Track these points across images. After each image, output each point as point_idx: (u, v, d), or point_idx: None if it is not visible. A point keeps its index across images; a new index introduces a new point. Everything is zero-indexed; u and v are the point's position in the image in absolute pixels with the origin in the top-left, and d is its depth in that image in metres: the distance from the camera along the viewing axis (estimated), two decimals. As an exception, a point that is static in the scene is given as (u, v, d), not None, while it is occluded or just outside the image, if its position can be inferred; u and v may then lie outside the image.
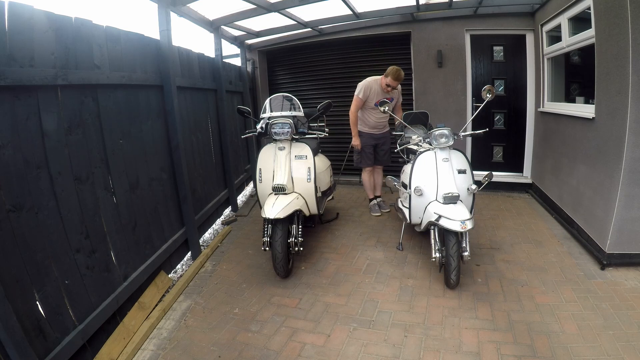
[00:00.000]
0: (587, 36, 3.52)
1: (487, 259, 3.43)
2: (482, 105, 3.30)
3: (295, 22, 5.26)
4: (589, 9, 3.46)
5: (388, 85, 4.20)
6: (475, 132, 3.39)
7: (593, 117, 3.42)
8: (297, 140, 3.61)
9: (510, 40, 5.19)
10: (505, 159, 5.59)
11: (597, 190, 3.37)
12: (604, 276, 3.02)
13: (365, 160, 4.61)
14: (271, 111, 3.72)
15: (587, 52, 3.92)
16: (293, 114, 3.68)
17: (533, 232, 3.97)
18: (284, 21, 5.27)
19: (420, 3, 4.58)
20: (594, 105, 3.45)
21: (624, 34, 2.85)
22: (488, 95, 3.17)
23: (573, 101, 4.35)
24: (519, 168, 5.47)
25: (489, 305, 2.73)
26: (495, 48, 5.25)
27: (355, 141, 4.51)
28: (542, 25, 4.66)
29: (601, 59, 3.27)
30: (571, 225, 3.88)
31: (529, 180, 5.34)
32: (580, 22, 3.83)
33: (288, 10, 4.65)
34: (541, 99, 4.86)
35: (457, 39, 5.26)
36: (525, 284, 2.99)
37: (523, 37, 5.05)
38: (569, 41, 3.96)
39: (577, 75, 4.55)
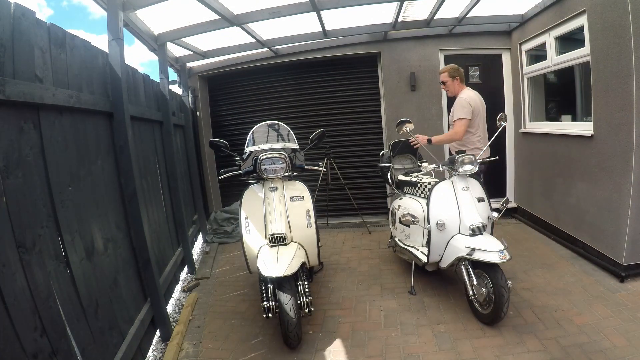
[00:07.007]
0: (581, 54, 3.79)
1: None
2: (497, 132, 3.33)
3: (251, 41, 4.94)
4: (580, 28, 3.75)
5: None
6: (490, 158, 3.55)
7: (592, 135, 3.64)
8: (289, 178, 3.38)
9: (486, 60, 5.48)
10: (485, 184, 5.70)
11: (603, 206, 3.59)
12: (627, 288, 3.28)
13: None
14: (253, 144, 3.51)
15: (570, 71, 4.24)
16: (285, 146, 3.46)
17: (539, 256, 4.11)
18: (237, 39, 4.93)
19: (398, 20, 4.59)
20: (591, 123, 3.68)
21: (626, 52, 3.14)
22: (503, 123, 3.30)
23: (557, 120, 4.64)
24: (500, 193, 5.62)
25: (534, 336, 2.75)
26: (471, 68, 5.49)
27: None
28: (520, 44, 5.01)
29: (598, 76, 3.53)
30: (574, 244, 4.09)
31: (513, 205, 5.54)
32: (566, 41, 4.14)
33: (249, 25, 4.33)
34: (522, 120, 5.15)
35: (430, 60, 5.41)
36: (558, 308, 3.08)
37: (499, 56, 5.40)
38: (556, 60, 4.26)
39: (560, 94, 4.91)
